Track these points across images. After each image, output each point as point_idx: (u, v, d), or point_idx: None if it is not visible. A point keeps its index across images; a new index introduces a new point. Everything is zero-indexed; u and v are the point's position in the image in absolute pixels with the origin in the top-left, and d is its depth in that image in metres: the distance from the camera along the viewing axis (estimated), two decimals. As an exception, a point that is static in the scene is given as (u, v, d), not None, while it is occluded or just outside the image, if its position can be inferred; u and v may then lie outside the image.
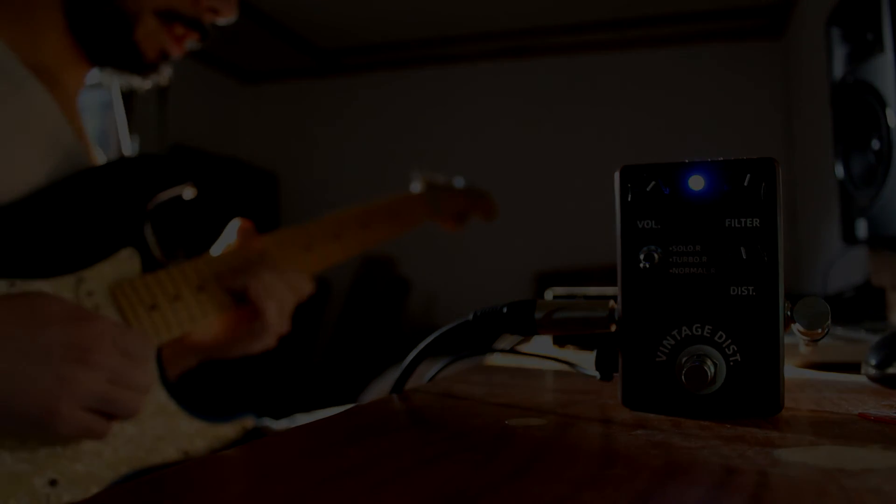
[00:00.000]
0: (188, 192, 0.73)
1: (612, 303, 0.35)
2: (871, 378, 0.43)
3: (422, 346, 0.43)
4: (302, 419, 0.80)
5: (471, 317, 0.41)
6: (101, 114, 0.81)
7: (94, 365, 0.55)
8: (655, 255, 0.32)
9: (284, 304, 0.75)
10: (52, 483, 0.58)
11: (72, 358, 0.54)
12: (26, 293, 0.57)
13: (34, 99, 0.68)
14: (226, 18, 0.77)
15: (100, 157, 0.79)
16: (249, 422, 0.74)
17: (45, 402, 0.53)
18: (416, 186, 1.08)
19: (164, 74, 0.77)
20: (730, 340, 0.32)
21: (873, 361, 0.43)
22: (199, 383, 0.83)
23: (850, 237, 1.07)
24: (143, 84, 0.77)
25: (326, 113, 3.71)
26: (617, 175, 0.34)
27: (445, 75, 3.61)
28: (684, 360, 0.32)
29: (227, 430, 0.72)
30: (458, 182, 1.15)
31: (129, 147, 0.85)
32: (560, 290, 0.65)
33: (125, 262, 0.67)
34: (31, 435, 0.58)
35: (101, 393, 0.56)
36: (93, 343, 0.55)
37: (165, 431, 0.66)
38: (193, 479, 0.25)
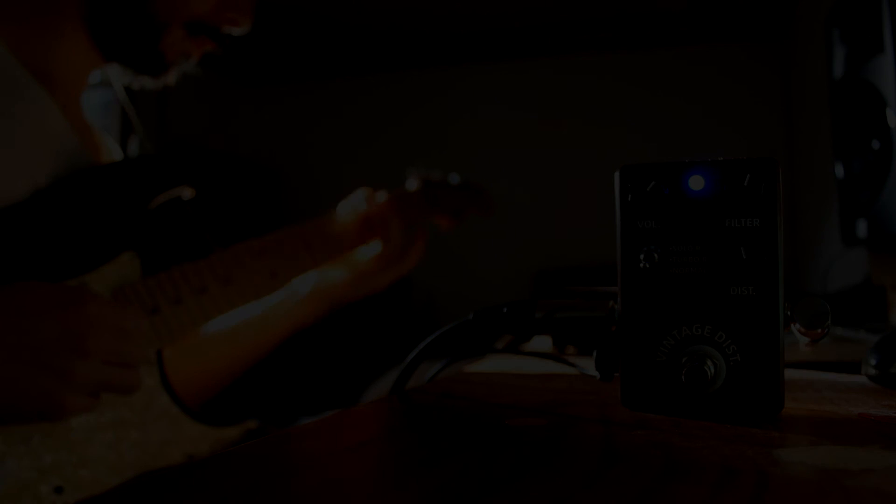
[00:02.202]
0: (186, 194, 0.73)
1: (612, 303, 0.35)
2: (871, 378, 0.43)
3: (422, 346, 0.43)
4: (304, 421, 0.80)
5: (471, 317, 0.41)
6: (102, 113, 0.81)
7: (89, 351, 0.54)
8: (655, 255, 0.32)
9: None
10: (58, 490, 0.58)
11: (66, 349, 0.53)
12: (9, 285, 0.55)
13: (34, 103, 0.68)
14: (241, 29, 0.78)
15: (111, 150, 0.79)
16: (253, 424, 0.74)
17: (48, 399, 0.53)
18: (412, 183, 1.06)
19: (172, 76, 0.78)
20: (730, 340, 0.32)
21: (873, 361, 0.43)
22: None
23: (850, 237, 1.07)
24: (154, 84, 0.77)
25: (328, 112, 3.71)
26: (617, 175, 0.34)
27: (445, 76, 3.61)
28: (684, 360, 0.32)
29: (232, 433, 0.72)
30: (454, 178, 1.12)
31: (132, 147, 0.85)
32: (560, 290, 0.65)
33: (126, 266, 0.67)
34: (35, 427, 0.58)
35: (99, 377, 0.56)
36: (85, 328, 0.54)
37: (170, 435, 0.66)
38: (191, 480, 0.25)
